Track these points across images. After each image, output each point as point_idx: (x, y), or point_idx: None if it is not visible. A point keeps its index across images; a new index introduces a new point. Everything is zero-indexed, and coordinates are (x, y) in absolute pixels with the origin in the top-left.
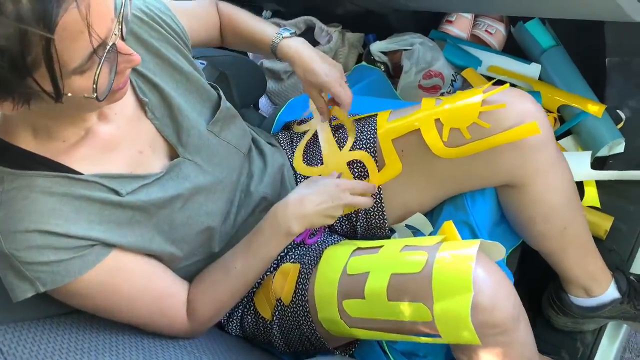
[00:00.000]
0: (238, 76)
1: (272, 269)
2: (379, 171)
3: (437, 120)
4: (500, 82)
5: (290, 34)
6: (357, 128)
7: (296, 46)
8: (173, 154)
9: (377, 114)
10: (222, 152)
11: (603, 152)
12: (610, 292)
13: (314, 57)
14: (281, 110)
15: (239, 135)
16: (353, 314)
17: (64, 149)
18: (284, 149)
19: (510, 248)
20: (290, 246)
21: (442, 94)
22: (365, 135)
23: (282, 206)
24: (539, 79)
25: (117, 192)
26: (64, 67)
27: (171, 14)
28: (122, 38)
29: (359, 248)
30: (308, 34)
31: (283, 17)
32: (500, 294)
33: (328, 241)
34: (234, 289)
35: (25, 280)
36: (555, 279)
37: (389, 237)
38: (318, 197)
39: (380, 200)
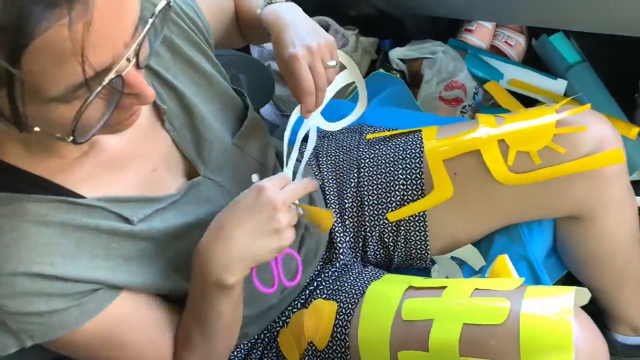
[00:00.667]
0: (247, 78)
1: (299, 303)
2: (424, 195)
3: (501, 142)
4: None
5: None
6: (399, 145)
7: (279, 9)
8: (191, 173)
9: (421, 130)
10: (246, 168)
11: (635, 176)
12: None
13: (295, 21)
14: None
15: (262, 147)
16: None
17: (63, 166)
18: (309, 165)
19: (555, 280)
20: (321, 277)
21: (464, 107)
22: (409, 153)
23: (201, 252)
24: (564, 95)
25: (127, 220)
26: (38, 94)
27: (195, 5)
28: (138, 66)
29: (411, 287)
30: None
31: None
32: (599, 352)
33: (365, 274)
34: (218, 348)
35: (8, 333)
36: (598, 316)
37: (429, 269)
38: (246, 225)
39: (425, 228)
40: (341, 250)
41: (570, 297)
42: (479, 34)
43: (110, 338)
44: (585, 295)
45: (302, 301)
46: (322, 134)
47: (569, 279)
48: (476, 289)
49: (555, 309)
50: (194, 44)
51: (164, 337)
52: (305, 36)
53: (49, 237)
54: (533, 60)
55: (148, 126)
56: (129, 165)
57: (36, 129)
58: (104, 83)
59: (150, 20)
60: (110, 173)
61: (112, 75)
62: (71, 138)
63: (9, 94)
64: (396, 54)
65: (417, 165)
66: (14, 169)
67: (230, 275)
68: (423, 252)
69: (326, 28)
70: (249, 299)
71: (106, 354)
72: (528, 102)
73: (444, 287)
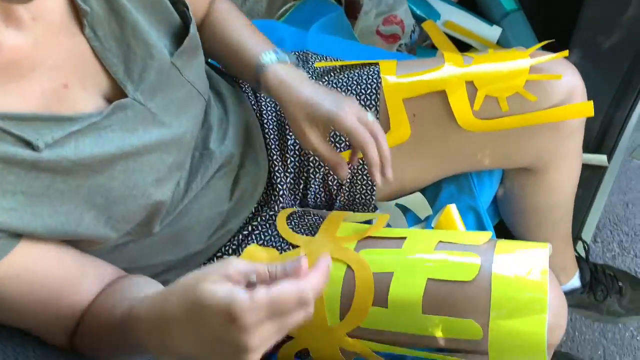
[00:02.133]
0: None
1: (231, 249)
2: None
3: (469, 83)
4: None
5: (289, 62)
6: (352, 78)
7: (287, 73)
8: (114, 94)
9: (378, 63)
10: (183, 96)
11: None
12: (573, 281)
13: (313, 86)
14: None
15: (201, 73)
16: (365, 324)
17: None
18: (245, 92)
19: None
20: (256, 221)
21: (400, 46)
22: (364, 88)
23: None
24: (497, 43)
25: (30, 145)
26: None
27: None
28: None
29: (367, 237)
30: None
31: None
32: (562, 311)
33: (308, 216)
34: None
35: None
36: None
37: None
38: (191, 339)
39: None
40: (281, 192)
41: (545, 255)
42: None
43: (4, 298)
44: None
45: (233, 247)
46: None
47: (496, 227)
48: (440, 241)
49: (528, 267)
50: None
51: (73, 300)
52: (335, 97)
53: None
54: (470, 2)
55: (61, 28)
56: (32, 74)
57: None
58: None
59: None
60: (6, 82)
61: None
62: None
63: None
64: None
65: (373, 102)
66: None
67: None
68: (368, 197)
69: None
70: (171, 243)
71: (7, 313)
72: (460, 46)
73: (403, 238)
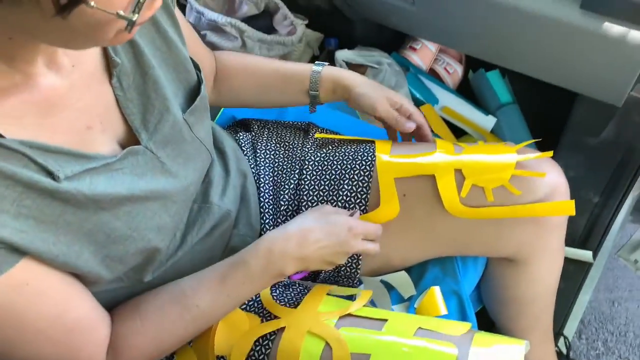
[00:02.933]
0: None
1: None
2: (367, 211)
3: (458, 171)
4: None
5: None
6: (349, 153)
7: (346, 72)
8: (129, 141)
9: (374, 141)
10: (191, 150)
11: None
12: None
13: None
14: None
15: (208, 132)
16: None
17: None
18: (245, 155)
19: None
20: None
21: None
22: (358, 163)
23: (281, 239)
24: (491, 132)
25: (51, 174)
26: None
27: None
28: None
29: (349, 314)
30: (265, 18)
31: None
32: None
33: (291, 287)
34: (187, 332)
35: None
36: None
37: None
38: (326, 237)
39: None
40: None
41: (521, 352)
42: (422, 54)
43: (16, 310)
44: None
45: None
46: (262, 124)
47: (479, 314)
48: (420, 327)
49: None
50: (164, 3)
51: (93, 313)
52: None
53: None
54: (467, 91)
55: (93, 76)
56: (62, 113)
57: (92, 3)
58: None
59: None
60: (40, 117)
61: None
62: (135, 17)
63: None
64: (343, 55)
65: (366, 178)
66: None
67: (293, 268)
68: (353, 270)
69: (275, 10)
70: None
71: (15, 333)
72: (455, 131)
73: (384, 320)
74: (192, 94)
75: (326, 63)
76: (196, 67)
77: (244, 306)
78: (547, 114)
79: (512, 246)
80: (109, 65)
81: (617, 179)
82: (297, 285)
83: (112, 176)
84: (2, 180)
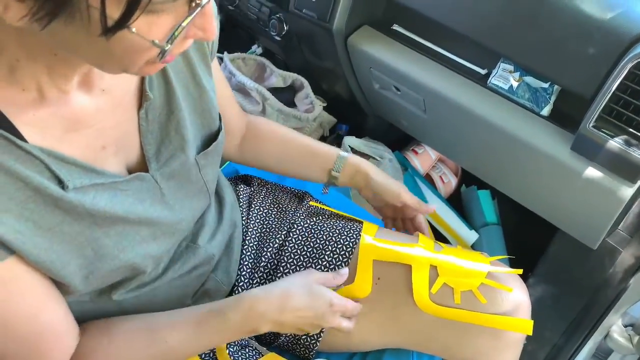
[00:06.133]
0: None
1: None
2: (341, 286)
3: (433, 268)
4: (438, 232)
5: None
6: (336, 227)
7: (366, 162)
8: (138, 166)
9: (362, 222)
10: (193, 190)
11: None
12: None
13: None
14: None
15: (215, 176)
16: None
17: (17, 99)
18: (240, 206)
19: None
20: None
21: None
22: (343, 239)
23: (263, 300)
24: (472, 246)
25: (61, 183)
26: None
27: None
28: None
29: None
30: (288, 92)
31: (272, 60)
32: None
33: (248, 348)
34: None
35: None
36: None
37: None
38: (306, 307)
39: None
40: None
41: None
42: (422, 159)
43: None
44: None
45: None
46: (262, 182)
47: None
48: None
49: None
50: (203, 53)
51: (65, 321)
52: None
53: None
54: (456, 202)
55: (122, 103)
56: (83, 130)
57: (134, 29)
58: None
59: None
60: (64, 131)
61: None
62: (168, 47)
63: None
64: (350, 141)
65: (347, 254)
66: None
67: (265, 329)
68: (312, 342)
69: (300, 88)
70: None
71: None
72: (437, 237)
73: None
74: (210, 138)
75: (351, 154)
76: (219, 115)
77: (202, 354)
78: (527, 241)
79: (469, 353)
80: (141, 97)
81: (580, 321)
82: (253, 348)
83: (115, 195)
84: (15, 182)
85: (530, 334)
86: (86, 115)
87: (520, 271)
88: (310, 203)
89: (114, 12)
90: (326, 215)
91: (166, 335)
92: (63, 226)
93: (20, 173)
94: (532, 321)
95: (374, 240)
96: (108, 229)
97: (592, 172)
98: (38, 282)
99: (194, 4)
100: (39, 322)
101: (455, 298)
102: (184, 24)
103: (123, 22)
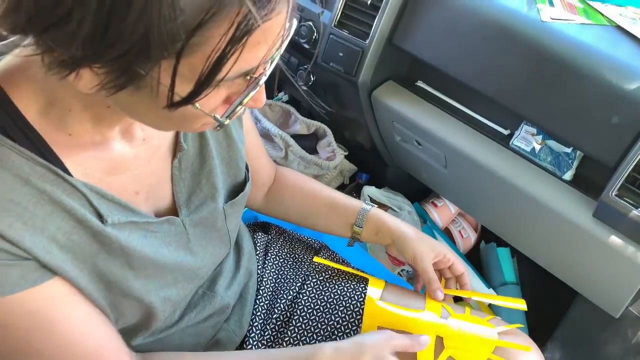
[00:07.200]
0: None
1: None
2: None
3: (439, 339)
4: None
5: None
6: (343, 290)
7: (392, 218)
8: (168, 211)
9: (368, 279)
10: (216, 237)
11: None
12: None
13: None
14: None
15: (237, 225)
16: None
17: (65, 142)
18: (257, 254)
19: None
20: None
21: (402, 270)
22: (350, 296)
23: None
24: (488, 306)
25: (101, 217)
26: (231, 71)
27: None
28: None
29: None
30: (311, 140)
31: (297, 108)
32: None
33: None
34: None
35: None
36: None
37: None
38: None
39: None
40: None
41: None
42: (441, 212)
43: (49, 321)
44: None
45: None
46: (280, 231)
47: None
48: None
49: None
50: None
51: (117, 339)
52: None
53: (21, 196)
54: (475, 258)
55: (158, 153)
56: (120, 175)
57: (197, 105)
58: (263, 72)
59: (292, 30)
60: (104, 173)
61: (268, 67)
62: (227, 121)
63: (215, 64)
64: (371, 192)
65: (357, 321)
66: (19, 115)
67: None
68: None
69: (322, 135)
70: None
71: (44, 347)
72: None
73: None
74: (237, 188)
75: (375, 205)
76: (246, 166)
77: None
78: (547, 303)
79: None
80: (176, 148)
81: None
82: None
83: (146, 235)
84: (62, 211)
85: None
86: (123, 162)
87: (529, 349)
88: (315, 259)
89: (182, 91)
90: (334, 272)
91: None
92: (97, 260)
93: (66, 204)
94: None
95: (379, 301)
96: (139, 272)
97: (615, 240)
98: (84, 301)
99: (249, 78)
100: (96, 337)
101: None
102: (244, 101)
103: (190, 99)
